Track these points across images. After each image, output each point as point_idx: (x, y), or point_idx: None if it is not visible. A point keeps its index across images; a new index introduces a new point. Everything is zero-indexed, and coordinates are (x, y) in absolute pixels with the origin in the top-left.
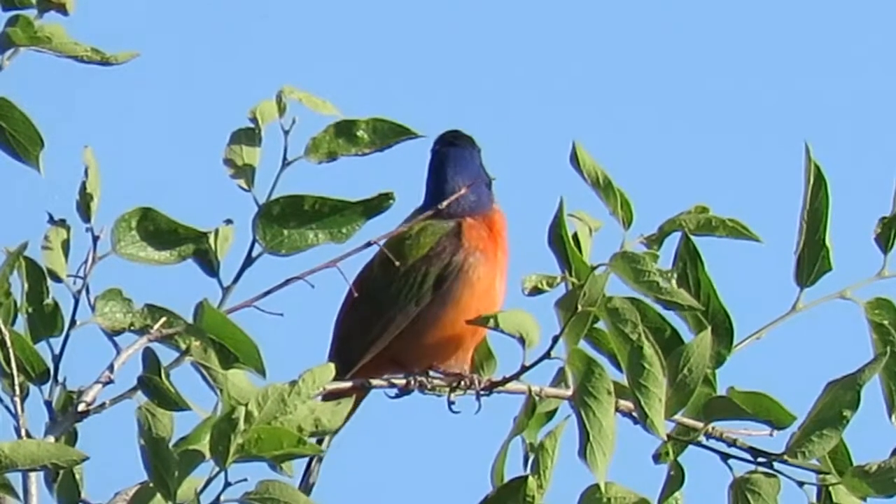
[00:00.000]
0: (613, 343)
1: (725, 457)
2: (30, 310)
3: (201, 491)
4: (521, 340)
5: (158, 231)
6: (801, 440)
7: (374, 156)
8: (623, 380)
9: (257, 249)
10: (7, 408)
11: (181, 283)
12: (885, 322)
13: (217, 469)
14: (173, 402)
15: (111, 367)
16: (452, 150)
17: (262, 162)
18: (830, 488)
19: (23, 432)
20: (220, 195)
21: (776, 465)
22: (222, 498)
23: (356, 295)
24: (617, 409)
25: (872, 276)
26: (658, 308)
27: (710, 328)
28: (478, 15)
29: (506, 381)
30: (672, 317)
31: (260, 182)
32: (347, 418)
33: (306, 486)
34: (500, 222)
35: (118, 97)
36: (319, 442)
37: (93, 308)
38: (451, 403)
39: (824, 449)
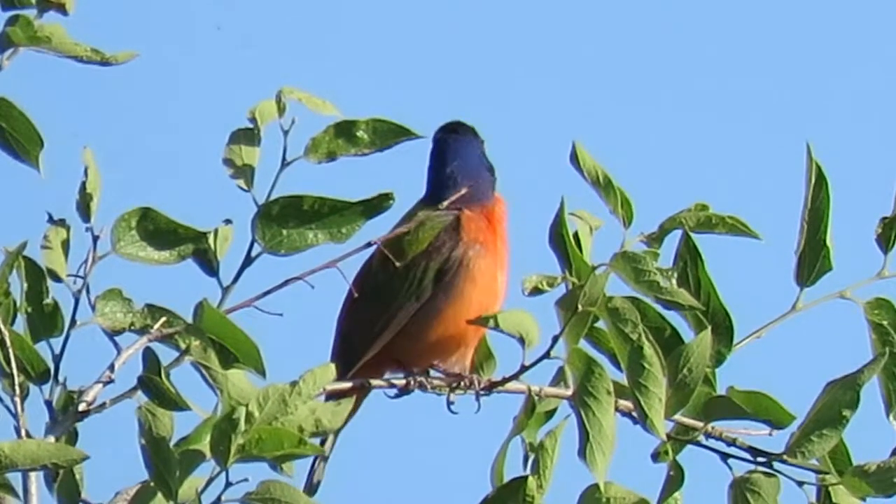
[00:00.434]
0: (613, 343)
1: (725, 456)
2: (30, 310)
3: (202, 491)
4: (521, 340)
5: (158, 231)
6: (801, 440)
7: (374, 156)
8: (623, 380)
9: (257, 249)
10: (7, 408)
11: (181, 283)
12: (885, 322)
13: (218, 469)
14: (173, 402)
15: (111, 367)
16: (453, 138)
17: (262, 162)
18: (830, 488)
19: (23, 432)
20: (220, 195)
21: (776, 464)
22: (223, 498)
23: (356, 294)
24: (617, 409)
25: (872, 276)
26: (658, 307)
27: (710, 327)
28: (477, 16)
29: (505, 381)
30: (672, 316)
31: (259, 182)
32: (349, 418)
33: (311, 485)
34: (500, 212)
35: (118, 97)
36: (323, 442)
37: (93, 308)
38: (450, 404)
39: (824, 449)
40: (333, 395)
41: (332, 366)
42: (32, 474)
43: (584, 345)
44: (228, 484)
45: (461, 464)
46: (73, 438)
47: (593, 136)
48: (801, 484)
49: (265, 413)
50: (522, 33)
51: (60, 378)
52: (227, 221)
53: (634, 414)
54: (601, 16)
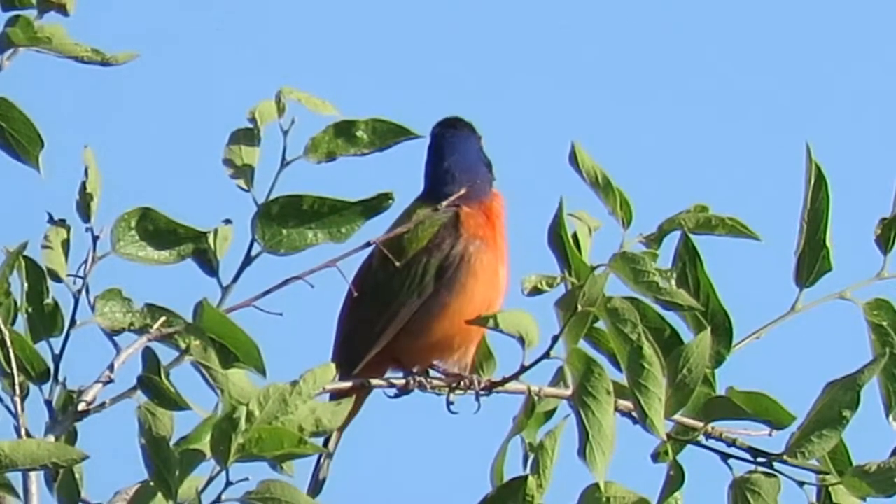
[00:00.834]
0: (613, 343)
1: (725, 457)
2: (30, 309)
3: (202, 490)
4: (521, 340)
5: (158, 231)
6: (801, 440)
7: (373, 156)
8: (623, 380)
9: (256, 249)
10: (7, 407)
11: (181, 283)
12: (885, 323)
13: (218, 468)
14: (173, 402)
15: (111, 367)
16: (451, 133)
17: (262, 162)
18: (830, 488)
19: (23, 432)
20: (220, 195)
21: (776, 465)
22: (223, 497)
23: (356, 294)
24: (616, 409)
25: (872, 276)
26: (658, 308)
27: (709, 328)
28: (476, 16)
29: (505, 381)
30: (672, 317)
31: (259, 182)
32: (351, 417)
33: (317, 482)
34: (498, 207)
35: (118, 97)
36: (327, 440)
37: (93, 308)
38: (449, 404)
39: (824, 449)
40: (335, 395)
41: (332, 365)
42: (32, 474)
43: (583, 345)
44: (229, 483)
45: (461, 464)
46: (72, 438)
47: (592, 136)
48: (801, 484)
49: (265, 412)
50: (521, 33)
51: (60, 378)
52: (227, 221)
53: (634, 414)
54: (601, 16)
